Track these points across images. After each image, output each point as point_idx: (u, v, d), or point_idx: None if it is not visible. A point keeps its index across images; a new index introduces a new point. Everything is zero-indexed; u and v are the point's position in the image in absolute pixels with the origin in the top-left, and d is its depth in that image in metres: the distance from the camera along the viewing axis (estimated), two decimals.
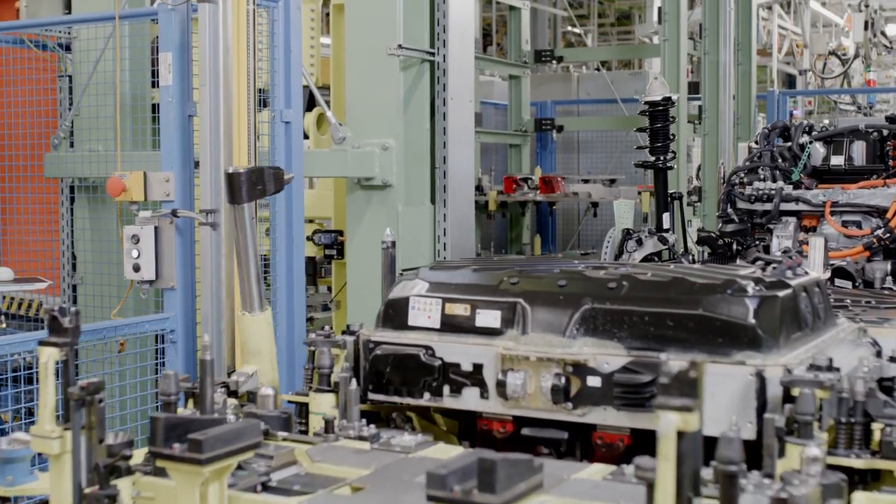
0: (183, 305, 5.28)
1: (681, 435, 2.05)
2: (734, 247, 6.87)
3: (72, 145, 6.93)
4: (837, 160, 6.83)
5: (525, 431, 3.38)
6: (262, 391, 3.42)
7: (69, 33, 6.91)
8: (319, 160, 6.85)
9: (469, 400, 3.38)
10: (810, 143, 6.88)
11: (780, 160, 6.90)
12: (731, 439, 2.18)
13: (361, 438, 3.20)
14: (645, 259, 7.01)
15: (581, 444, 3.35)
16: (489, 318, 3.39)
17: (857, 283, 5.98)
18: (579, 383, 3.20)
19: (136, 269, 5.23)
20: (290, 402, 3.77)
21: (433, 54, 6.77)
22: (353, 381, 3.34)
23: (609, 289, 3.33)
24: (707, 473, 2.41)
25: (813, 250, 5.36)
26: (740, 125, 13.08)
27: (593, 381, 3.18)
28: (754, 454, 2.79)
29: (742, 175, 6.89)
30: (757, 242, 6.74)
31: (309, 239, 7.75)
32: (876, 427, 3.00)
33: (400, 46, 6.56)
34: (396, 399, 3.50)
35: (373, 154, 6.58)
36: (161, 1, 5.23)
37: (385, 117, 6.64)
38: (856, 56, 18.87)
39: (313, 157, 6.81)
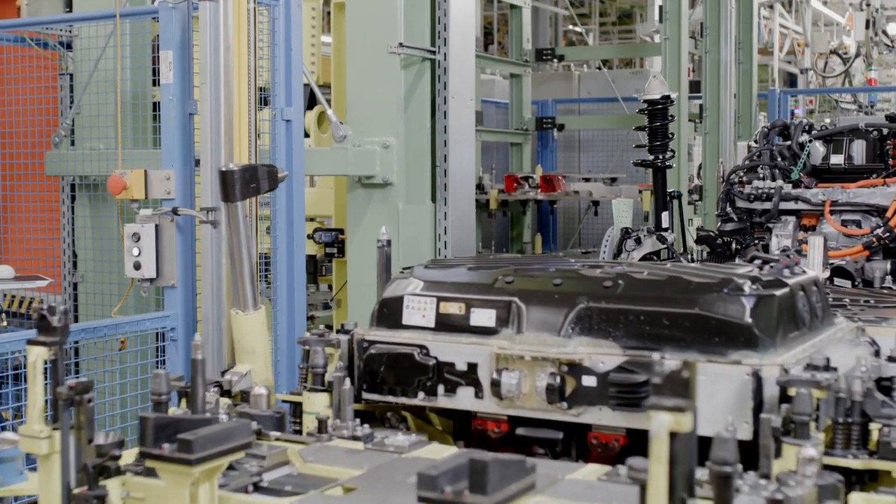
0: (183, 303, 5.28)
1: (673, 436, 2.02)
2: (733, 246, 6.84)
3: (73, 143, 6.95)
4: (837, 159, 6.81)
5: (520, 431, 3.35)
6: (256, 390, 3.39)
7: (70, 31, 6.93)
8: (320, 158, 6.84)
9: (463, 400, 3.36)
10: (810, 141, 6.86)
11: (779, 159, 6.88)
12: (726, 440, 2.16)
13: (355, 438, 3.18)
14: (644, 258, 6.99)
15: (576, 444, 3.32)
16: (484, 317, 3.37)
17: (856, 283, 5.96)
18: (574, 383, 3.17)
19: (137, 267, 5.24)
20: (284, 401, 3.75)
21: (434, 52, 6.76)
22: (347, 380, 3.31)
23: (604, 288, 3.30)
24: (704, 474, 2.38)
25: (812, 249, 5.34)
26: (741, 124, 13.07)
27: (588, 381, 3.16)
28: (751, 454, 2.77)
29: (741, 174, 6.87)
30: (756, 241, 6.72)
31: (310, 237, 7.74)
32: (874, 427, 2.97)
33: (401, 45, 6.55)
34: (391, 399, 3.48)
35: (373, 152, 6.56)
36: None
37: (386, 115, 6.63)
38: (857, 55, 18.84)
39: (314, 155, 6.81)
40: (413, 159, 6.67)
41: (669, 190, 7.49)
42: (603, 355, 3.16)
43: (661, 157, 7.36)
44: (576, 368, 3.17)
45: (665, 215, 7.32)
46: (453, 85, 6.76)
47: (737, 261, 6.29)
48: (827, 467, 2.70)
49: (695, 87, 13.10)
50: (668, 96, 7.30)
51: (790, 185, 6.71)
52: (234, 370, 3.70)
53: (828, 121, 9.08)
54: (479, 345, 3.33)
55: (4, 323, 6.48)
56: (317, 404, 3.46)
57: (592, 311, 3.25)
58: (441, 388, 3.38)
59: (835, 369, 3.02)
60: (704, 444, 2.18)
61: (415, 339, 3.44)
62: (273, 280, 5.53)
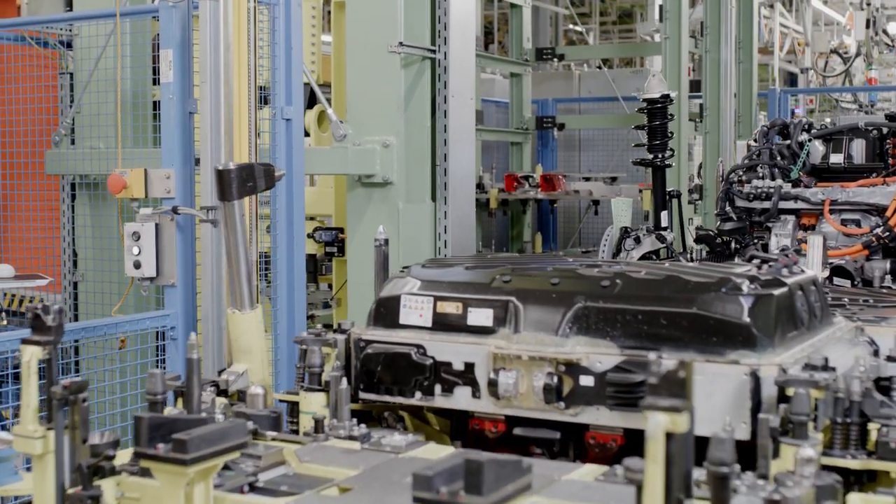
0: (183, 302, 5.30)
1: (670, 436, 2.01)
2: (732, 245, 6.83)
3: (73, 142, 6.98)
4: (837, 158, 6.79)
5: (517, 431, 3.34)
6: (252, 390, 3.38)
7: (70, 30, 6.96)
8: (320, 157, 6.84)
9: (460, 399, 3.34)
10: (809, 140, 6.84)
11: (778, 158, 6.86)
12: (723, 440, 2.14)
13: (351, 438, 3.16)
14: (643, 257, 6.98)
15: (574, 444, 3.31)
16: (481, 316, 3.35)
17: (856, 282, 5.94)
18: (572, 383, 3.16)
19: (137, 266, 5.25)
20: (281, 400, 3.74)
21: (434, 52, 6.75)
22: (344, 380, 3.30)
23: (602, 287, 3.29)
24: (702, 474, 2.37)
25: (812, 249, 5.32)
26: (741, 123, 13.07)
27: (586, 381, 3.14)
28: (749, 455, 2.76)
29: (741, 173, 6.86)
30: (755, 241, 6.70)
31: (310, 236, 7.75)
32: (872, 427, 2.96)
33: (401, 44, 6.55)
34: (388, 398, 3.47)
35: (373, 151, 6.56)
36: None
37: (386, 115, 6.63)
38: (857, 54, 18.84)
39: (314, 154, 6.80)
40: (413, 158, 6.67)
41: (669, 189, 7.47)
42: (600, 355, 3.14)
43: (660, 156, 7.34)
44: (573, 368, 3.16)
45: (664, 214, 7.31)
46: (453, 84, 6.76)
47: (736, 260, 6.28)
48: (825, 468, 2.69)
49: (695, 86, 13.09)
50: (668, 95, 7.29)
51: (789, 184, 6.69)
52: (230, 370, 3.69)
53: (828, 120, 9.06)
54: (477, 344, 3.31)
55: (4, 322, 6.49)
56: (313, 404, 3.45)
57: (590, 311, 3.23)
58: (438, 388, 3.36)
59: (833, 369, 3.01)
60: (703, 444, 2.17)
61: (412, 339, 3.42)
62: (273, 279, 5.53)
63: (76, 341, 5.62)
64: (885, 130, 6.76)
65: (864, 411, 2.95)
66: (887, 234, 6.11)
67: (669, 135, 7.41)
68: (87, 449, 2.62)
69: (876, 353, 3.67)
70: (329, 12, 8.67)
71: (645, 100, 7.34)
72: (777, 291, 3.21)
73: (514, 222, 13.33)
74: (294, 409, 3.61)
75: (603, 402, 3.11)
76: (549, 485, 2.70)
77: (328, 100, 7.28)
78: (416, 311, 3.45)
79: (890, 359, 3.50)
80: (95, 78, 6.51)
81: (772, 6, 19.10)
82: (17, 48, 7.00)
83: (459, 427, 3.53)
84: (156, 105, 6.01)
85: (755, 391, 2.93)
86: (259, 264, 5.15)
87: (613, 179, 12.68)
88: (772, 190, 6.59)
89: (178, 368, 5.01)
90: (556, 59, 14.51)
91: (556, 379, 3.16)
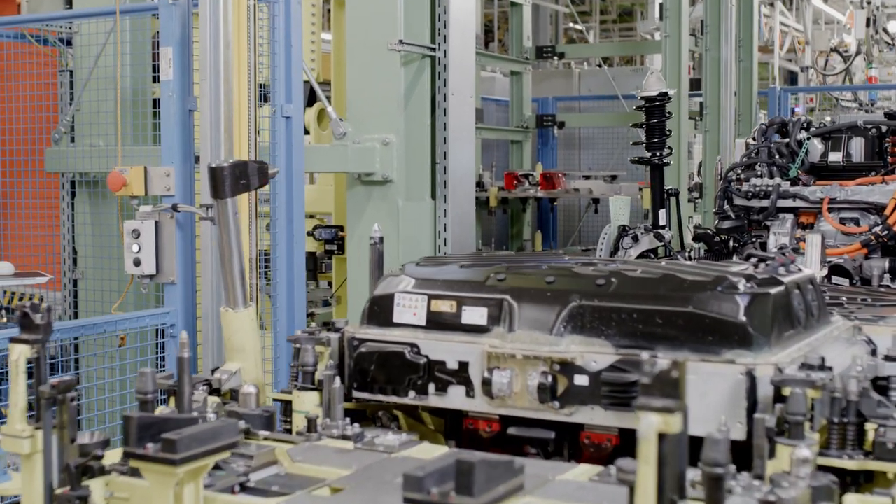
0: (183, 300, 5.30)
1: (662, 437, 1.99)
2: (731, 244, 6.80)
3: (73, 140, 6.98)
4: (835, 156, 6.77)
5: (511, 431, 3.32)
6: (245, 389, 3.35)
7: (70, 28, 6.97)
8: (320, 155, 6.83)
9: (454, 399, 3.31)
10: (808, 139, 6.82)
11: (777, 156, 6.84)
12: (717, 441, 2.13)
13: (344, 437, 3.14)
14: (641, 256, 6.96)
15: (569, 443, 3.28)
16: (475, 315, 3.33)
17: (854, 281, 5.92)
18: (566, 382, 3.13)
19: (137, 263, 5.26)
20: (275, 399, 3.72)
21: (434, 50, 6.74)
22: (337, 379, 3.28)
23: (597, 286, 3.26)
24: (697, 474, 2.35)
25: (810, 247, 5.29)
26: (742, 122, 13.06)
27: (580, 380, 3.11)
28: (744, 455, 2.73)
29: (739, 171, 6.84)
30: (754, 239, 6.68)
31: (309, 234, 7.74)
32: (869, 427, 2.93)
33: (401, 42, 6.53)
34: (381, 397, 3.44)
35: (373, 149, 6.55)
36: None
37: (386, 113, 6.61)
38: (857, 53, 18.81)
39: (314, 152, 6.79)
40: (413, 156, 6.65)
41: (667, 187, 7.45)
42: (595, 354, 3.12)
43: (658, 154, 7.32)
44: (568, 367, 3.13)
45: (662, 213, 7.29)
46: (453, 82, 6.75)
47: (734, 259, 6.26)
48: (821, 468, 2.67)
49: (695, 84, 13.07)
50: (666, 93, 7.26)
51: (788, 182, 6.67)
52: (223, 368, 3.67)
53: (828, 119, 9.04)
54: (471, 343, 3.29)
55: (4, 319, 6.48)
56: (306, 403, 3.43)
57: (585, 310, 3.21)
58: (432, 387, 3.33)
59: (830, 369, 2.98)
60: (699, 444, 2.14)
61: (405, 338, 3.40)
62: (273, 277, 5.52)
63: (76, 339, 5.62)
64: (884, 129, 6.74)
65: (861, 411, 2.92)
66: (886, 232, 6.08)
67: (668, 133, 7.39)
68: (76, 448, 2.60)
69: (874, 353, 3.65)
70: (329, 10, 8.67)
71: (643, 98, 7.32)
72: (774, 290, 3.18)
73: (513, 220, 13.32)
74: (288, 408, 3.59)
75: (598, 402, 3.09)
76: (542, 485, 2.68)
77: (328, 98, 7.27)
78: (410, 309, 3.43)
79: (888, 358, 3.47)
80: (95, 75, 6.52)
81: (772, 5, 19.08)
82: (17, 46, 7.01)
83: (453, 426, 3.51)
84: (156, 103, 6.01)
85: (751, 391, 2.91)
86: (259, 262, 5.14)
87: (613, 178, 12.66)
88: (770, 188, 6.57)
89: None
90: (556, 58, 14.49)
91: (550, 378, 3.14)
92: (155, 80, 6.09)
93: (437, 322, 3.39)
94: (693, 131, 12.62)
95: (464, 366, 3.28)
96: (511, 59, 13.25)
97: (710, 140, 12.34)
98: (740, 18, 13.04)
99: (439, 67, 6.75)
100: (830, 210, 6.38)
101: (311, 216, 8.20)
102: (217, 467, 2.77)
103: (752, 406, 2.90)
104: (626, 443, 3.12)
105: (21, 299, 6.99)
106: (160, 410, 3.17)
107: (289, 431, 3.48)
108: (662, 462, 1.99)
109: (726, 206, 6.75)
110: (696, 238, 7.13)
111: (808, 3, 20.66)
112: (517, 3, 13.25)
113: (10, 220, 7.27)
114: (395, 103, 6.60)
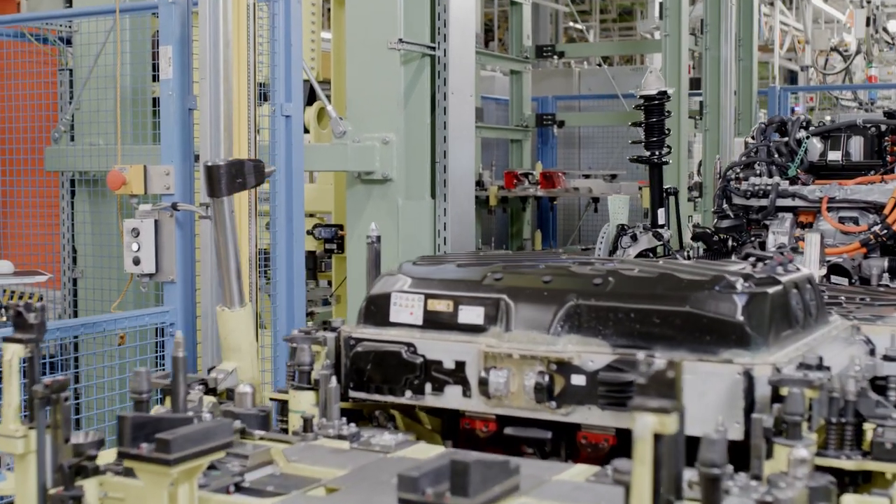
0: (183, 299, 5.30)
1: (658, 437, 1.97)
2: (730, 243, 6.79)
3: (72, 139, 6.98)
4: (835, 155, 6.76)
5: (508, 431, 3.30)
6: (240, 388, 3.34)
7: (70, 27, 6.97)
8: (320, 154, 6.82)
9: (451, 398, 3.30)
10: (807, 138, 6.81)
11: (776, 155, 6.82)
12: (714, 441, 2.11)
13: (341, 437, 3.13)
14: (640, 255, 6.95)
15: (566, 443, 3.27)
16: (472, 314, 3.31)
17: (853, 280, 5.91)
18: (563, 382, 3.12)
19: (137, 262, 5.25)
20: (272, 399, 3.70)
21: (434, 48, 6.73)
22: (333, 378, 3.26)
23: (594, 285, 3.25)
24: (694, 475, 2.34)
25: (809, 246, 5.28)
26: (741, 121, 13.06)
27: (577, 380, 3.10)
28: (742, 455, 2.72)
29: (738, 170, 6.83)
30: (753, 238, 6.67)
31: (309, 233, 7.73)
32: (868, 427, 2.92)
33: (401, 41, 6.52)
34: (378, 397, 3.42)
35: (373, 148, 6.54)
36: None
37: (386, 111, 6.60)
38: (857, 52, 18.81)
39: (314, 151, 6.78)
40: (413, 155, 6.65)
41: (666, 186, 7.44)
42: (592, 354, 3.10)
43: (657, 153, 7.31)
44: (565, 367, 3.12)
45: (661, 212, 7.28)
46: (453, 81, 6.74)
47: (732, 258, 6.25)
48: (819, 468, 2.65)
49: (695, 83, 13.07)
50: (665, 92, 7.26)
51: (787, 181, 6.66)
52: (219, 368, 3.66)
53: (828, 118, 9.04)
54: (467, 343, 3.27)
55: (3, 318, 6.47)
56: (303, 403, 3.41)
57: (582, 309, 3.19)
58: (428, 387, 3.32)
59: (828, 368, 2.97)
60: (696, 444, 2.13)
61: (402, 337, 3.38)
62: (272, 276, 5.51)
63: (75, 337, 5.61)
64: (883, 128, 6.73)
65: (860, 411, 2.91)
66: (885, 231, 6.07)
67: (667, 132, 7.38)
68: (70, 448, 2.59)
69: (872, 352, 3.64)
70: (329, 9, 8.66)
71: (642, 96, 7.31)
72: (771, 290, 3.17)
73: (513, 219, 13.31)
74: (285, 407, 3.57)
75: (594, 402, 3.07)
76: (538, 485, 2.66)
77: (328, 96, 7.26)
78: (406, 308, 3.41)
79: (886, 358, 3.47)
80: (95, 74, 6.51)
81: (772, 4, 19.08)
82: (16, 44, 7.01)
83: (450, 426, 3.49)
84: (155, 102, 6.00)
85: (748, 391, 2.89)
86: (258, 261, 5.13)
87: (613, 177, 12.66)
88: (769, 187, 6.56)
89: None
90: (556, 57, 14.49)
91: (547, 378, 3.12)
92: (155, 78, 6.09)
93: (433, 321, 3.37)
94: (693, 130, 12.61)
95: (460, 365, 3.27)
96: (511, 58, 13.24)
97: (709, 139, 12.34)
98: (740, 17, 13.04)
99: (439, 66, 6.74)
100: (829, 209, 6.37)
101: (311, 215, 8.20)
102: (212, 467, 2.76)
103: (750, 406, 2.88)
104: (624, 443, 3.10)
105: (21, 298, 6.97)
106: (156, 410, 3.16)
107: (285, 431, 3.47)
108: (658, 462, 1.98)
109: (725, 206, 6.74)
110: (694, 237, 7.12)
111: (808, 2, 20.66)
112: (517, 2, 13.25)
113: (10, 218, 7.27)
114: (395, 102, 6.59)
